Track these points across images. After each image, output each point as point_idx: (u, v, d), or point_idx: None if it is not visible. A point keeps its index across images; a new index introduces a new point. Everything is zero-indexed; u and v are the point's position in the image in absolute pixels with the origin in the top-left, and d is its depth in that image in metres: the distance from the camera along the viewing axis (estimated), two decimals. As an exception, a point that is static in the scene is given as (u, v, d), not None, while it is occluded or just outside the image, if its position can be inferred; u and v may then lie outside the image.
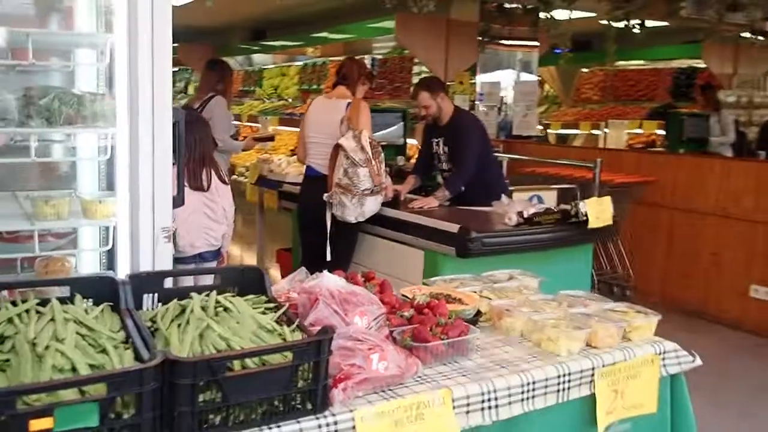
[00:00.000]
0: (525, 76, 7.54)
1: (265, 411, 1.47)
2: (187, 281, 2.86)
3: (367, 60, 8.95)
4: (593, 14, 7.70)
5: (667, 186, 6.01)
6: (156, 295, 1.77)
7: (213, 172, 3.83)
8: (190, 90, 12.40)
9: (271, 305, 1.77)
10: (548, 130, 10.72)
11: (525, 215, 4.01)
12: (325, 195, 4.04)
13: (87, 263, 2.75)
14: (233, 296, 1.73)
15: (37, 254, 2.46)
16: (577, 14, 7.98)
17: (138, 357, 1.45)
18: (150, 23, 2.06)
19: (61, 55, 2.23)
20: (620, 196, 6.01)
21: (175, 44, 11.08)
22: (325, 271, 1.89)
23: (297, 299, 1.85)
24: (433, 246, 3.91)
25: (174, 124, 2.20)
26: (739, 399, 4.25)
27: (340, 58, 9.47)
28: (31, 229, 2.35)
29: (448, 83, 7.16)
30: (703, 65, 9.47)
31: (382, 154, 4.06)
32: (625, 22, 6.56)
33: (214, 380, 1.39)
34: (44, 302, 1.60)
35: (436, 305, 2.01)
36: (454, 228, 3.79)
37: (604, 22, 6.94)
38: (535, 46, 7.50)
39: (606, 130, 9.84)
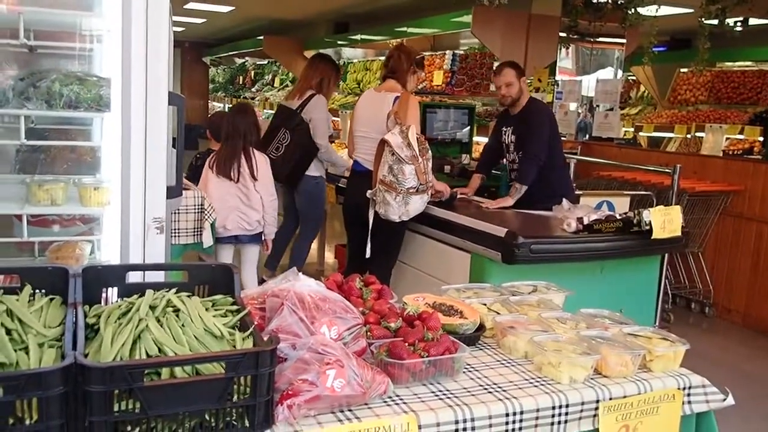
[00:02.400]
0: (608, 75, 7.12)
1: (195, 426, 1.34)
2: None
3: (448, 55, 8.73)
4: (691, 10, 7.17)
5: (755, 196, 5.49)
6: (117, 289, 1.67)
7: (246, 165, 4.00)
8: (276, 83, 12.50)
9: (235, 308, 1.64)
10: (640, 133, 10.13)
11: (585, 222, 3.75)
12: (369, 192, 3.90)
13: (108, 250, 2.71)
14: (190, 296, 1.60)
15: (55, 239, 2.46)
16: (673, 10, 7.46)
17: (64, 357, 1.34)
18: (145, 3, 1.96)
19: (68, 38, 2.17)
20: (703, 206, 5.57)
21: (260, 37, 11.25)
22: (300, 274, 1.73)
23: (266, 303, 1.70)
24: (480, 250, 3.70)
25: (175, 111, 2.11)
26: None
27: (428, 53, 9.26)
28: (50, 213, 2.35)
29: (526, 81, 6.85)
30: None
31: (430, 152, 3.87)
32: (721, 19, 6.00)
33: (131, 389, 1.26)
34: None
35: (427, 317, 1.82)
36: (501, 232, 3.56)
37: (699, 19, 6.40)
38: (621, 44, 7.07)
39: (701, 134, 9.17)
